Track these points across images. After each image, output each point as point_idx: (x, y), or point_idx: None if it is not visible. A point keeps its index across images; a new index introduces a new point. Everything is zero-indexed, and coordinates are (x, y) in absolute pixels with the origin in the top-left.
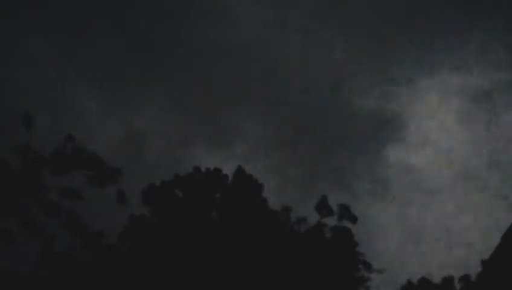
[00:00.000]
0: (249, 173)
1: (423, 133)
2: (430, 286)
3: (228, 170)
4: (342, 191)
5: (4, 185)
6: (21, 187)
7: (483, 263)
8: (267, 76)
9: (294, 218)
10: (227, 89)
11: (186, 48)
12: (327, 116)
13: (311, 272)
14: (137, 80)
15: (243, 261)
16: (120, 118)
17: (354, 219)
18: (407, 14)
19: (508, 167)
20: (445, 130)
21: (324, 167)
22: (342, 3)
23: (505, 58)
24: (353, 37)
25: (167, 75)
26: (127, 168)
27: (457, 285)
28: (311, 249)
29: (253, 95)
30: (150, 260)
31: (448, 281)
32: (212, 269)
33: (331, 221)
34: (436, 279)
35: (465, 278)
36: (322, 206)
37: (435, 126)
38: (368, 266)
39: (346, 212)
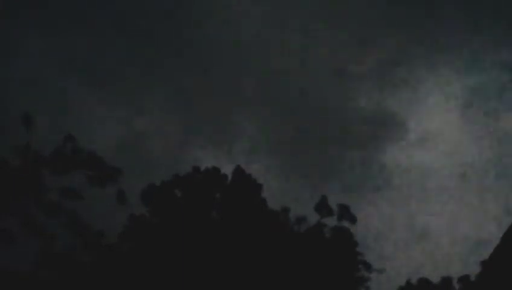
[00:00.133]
0: (248, 173)
1: (423, 133)
2: (430, 286)
3: (228, 170)
4: (342, 191)
5: (4, 185)
6: (21, 187)
7: (483, 263)
8: (267, 76)
9: (293, 218)
10: (227, 89)
11: (186, 48)
12: (327, 116)
13: (311, 272)
14: (137, 80)
15: (242, 261)
16: (120, 118)
17: (353, 219)
18: (407, 14)
19: (509, 167)
20: (445, 130)
21: (324, 167)
22: (342, 3)
23: (505, 58)
24: (353, 37)
25: (167, 75)
26: (127, 168)
27: (457, 285)
28: (311, 249)
29: (253, 95)
30: (150, 260)
31: (447, 281)
32: (212, 268)
33: (331, 221)
34: (436, 279)
35: (464, 279)
36: (322, 207)
37: (435, 126)
38: (368, 266)
39: (346, 212)
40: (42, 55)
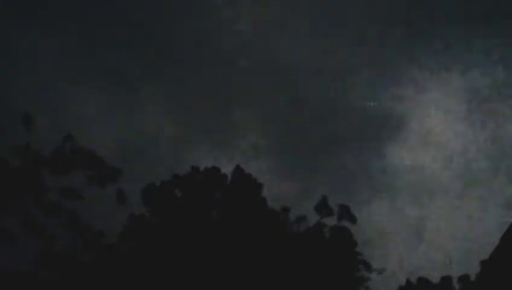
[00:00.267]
0: (248, 172)
1: (424, 133)
2: (430, 286)
3: (228, 170)
4: (342, 191)
5: (4, 185)
6: (21, 187)
7: (483, 263)
8: (267, 76)
9: (293, 217)
10: (227, 89)
11: (186, 48)
12: (327, 116)
13: (311, 272)
14: (138, 80)
15: (242, 260)
16: (120, 118)
17: (353, 219)
18: (408, 14)
19: (509, 167)
20: (445, 130)
21: (324, 167)
22: (342, 3)
23: (506, 58)
24: (353, 37)
25: (167, 75)
26: (127, 168)
27: (457, 285)
28: (311, 249)
29: (253, 95)
30: (150, 260)
31: (447, 281)
32: (212, 268)
33: (331, 221)
34: (436, 279)
35: (464, 278)
36: (322, 206)
37: (436, 126)
38: (368, 266)
39: (345, 212)
40: (42, 55)
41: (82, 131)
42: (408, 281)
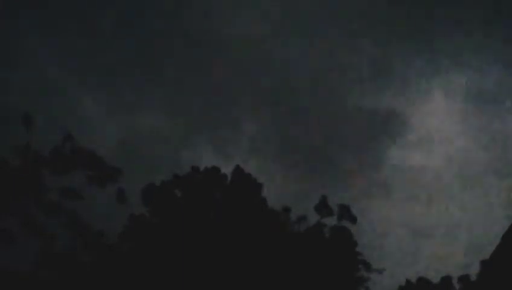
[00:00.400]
0: (248, 172)
1: (424, 133)
2: (430, 286)
3: (228, 170)
4: (342, 191)
5: (4, 185)
6: (21, 187)
7: (483, 263)
8: (267, 76)
9: (294, 217)
10: (227, 89)
11: (187, 48)
12: (327, 116)
13: (311, 271)
14: (138, 80)
15: (242, 260)
16: (120, 118)
17: (353, 219)
18: (408, 14)
19: (509, 167)
20: (446, 130)
21: (324, 167)
22: (342, 3)
23: (506, 58)
24: (354, 37)
25: (167, 75)
26: (127, 168)
27: (457, 285)
28: (311, 249)
29: (253, 95)
30: (150, 260)
31: (447, 281)
32: (212, 268)
33: (331, 221)
34: (436, 279)
35: (464, 278)
36: (322, 206)
37: (436, 126)
38: (368, 266)
39: (346, 212)
40: (42, 55)
41: (82, 131)
42: (408, 281)
